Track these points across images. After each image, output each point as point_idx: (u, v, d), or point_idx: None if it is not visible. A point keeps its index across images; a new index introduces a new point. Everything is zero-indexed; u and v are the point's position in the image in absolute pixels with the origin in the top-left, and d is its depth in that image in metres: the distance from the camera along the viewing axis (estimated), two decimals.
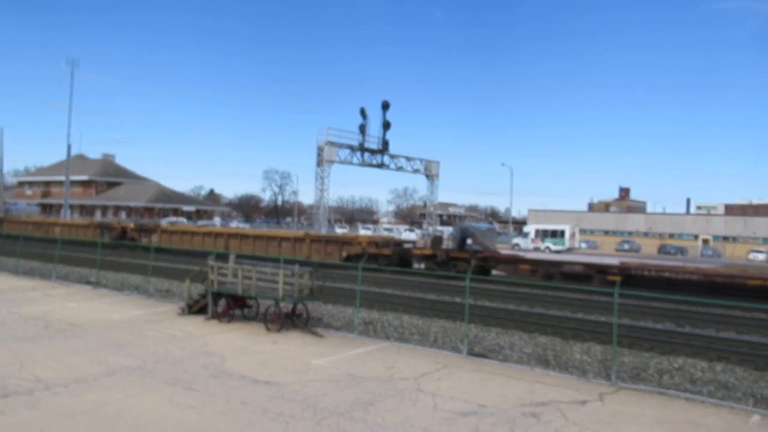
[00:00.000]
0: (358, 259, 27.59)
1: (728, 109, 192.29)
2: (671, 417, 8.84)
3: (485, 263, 28.61)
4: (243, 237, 35.93)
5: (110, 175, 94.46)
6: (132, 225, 43.52)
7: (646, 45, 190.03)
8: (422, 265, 30.11)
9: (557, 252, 57.48)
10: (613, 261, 28.77)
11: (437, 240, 33.36)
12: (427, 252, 30.25)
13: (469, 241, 30.36)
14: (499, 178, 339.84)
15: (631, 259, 33.76)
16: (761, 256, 64.68)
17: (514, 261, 28.51)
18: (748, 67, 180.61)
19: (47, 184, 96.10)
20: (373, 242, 31.24)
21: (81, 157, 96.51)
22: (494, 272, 28.61)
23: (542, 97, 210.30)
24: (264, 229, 44.80)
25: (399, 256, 29.90)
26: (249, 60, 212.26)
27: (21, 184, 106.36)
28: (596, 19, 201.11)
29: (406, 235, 67.51)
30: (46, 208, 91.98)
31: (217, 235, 37.22)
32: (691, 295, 19.74)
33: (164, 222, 63.08)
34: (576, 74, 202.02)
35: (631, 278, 23.74)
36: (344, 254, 30.85)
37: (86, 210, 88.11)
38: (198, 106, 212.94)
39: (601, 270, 25.01)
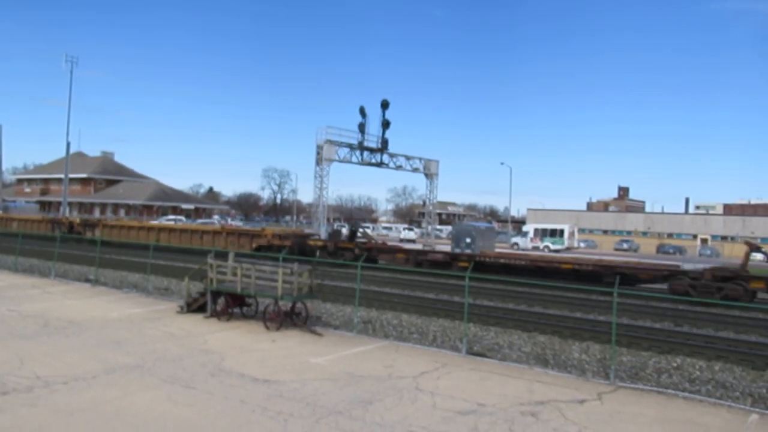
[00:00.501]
0: (266, 249, 32.18)
1: (727, 109, 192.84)
2: (670, 416, 8.85)
3: (369, 253, 31.90)
4: (171, 231, 40.44)
5: (109, 173, 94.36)
6: (78, 220, 47.99)
7: (646, 45, 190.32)
8: (318, 254, 33.43)
9: (556, 251, 57.46)
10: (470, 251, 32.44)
11: (334, 233, 37.20)
12: (320, 243, 33.99)
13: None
14: (499, 177, 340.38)
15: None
16: (759, 256, 64.49)
17: (391, 251, 32.70)
18: (747, 67, 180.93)
19: (46, 181, 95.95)
20: (277, 235, 34.88)
21: (80, 155, 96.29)
22: (381, 261, 31.93)
23: (542, 97, 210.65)
24: (190, 224, 52.78)
25: (298, 247, 32.78)
26: (249, 59, 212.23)
27: (20, 181, 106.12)
28: (596, 19, 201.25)
29: (405, 234, 77.96)
30: (45, 206, 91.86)
31: (150, 229, 41.83)
32: (524, 277, 24.34)
33: (162, 220, 63.14)
34: (576, 74, 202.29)
35: (481, 264, 27.86)
36: (254, 245, 34.14)
37: (85, 208, 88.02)
38: (197, 105, 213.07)
39: (455, 258, 29.80)
